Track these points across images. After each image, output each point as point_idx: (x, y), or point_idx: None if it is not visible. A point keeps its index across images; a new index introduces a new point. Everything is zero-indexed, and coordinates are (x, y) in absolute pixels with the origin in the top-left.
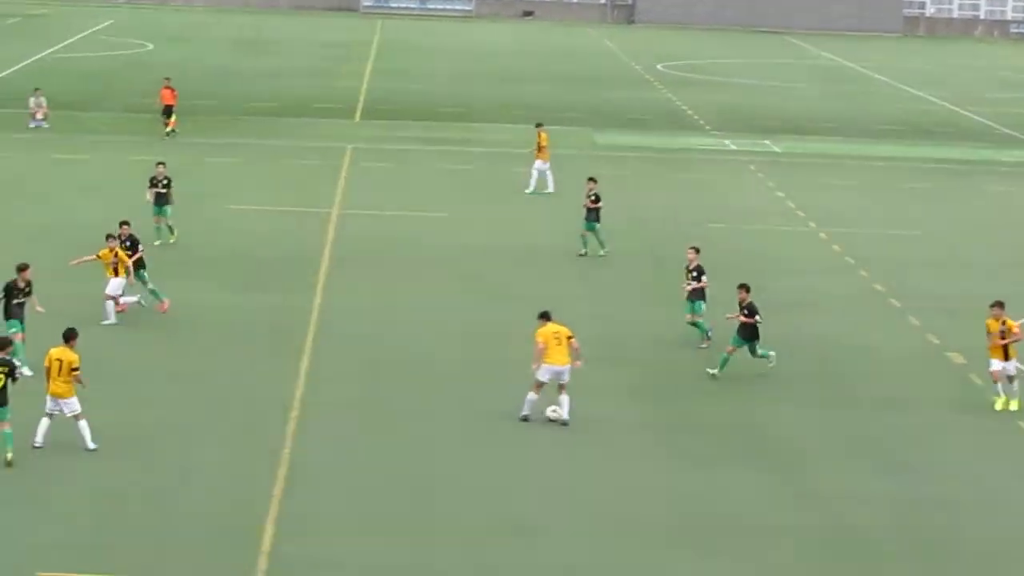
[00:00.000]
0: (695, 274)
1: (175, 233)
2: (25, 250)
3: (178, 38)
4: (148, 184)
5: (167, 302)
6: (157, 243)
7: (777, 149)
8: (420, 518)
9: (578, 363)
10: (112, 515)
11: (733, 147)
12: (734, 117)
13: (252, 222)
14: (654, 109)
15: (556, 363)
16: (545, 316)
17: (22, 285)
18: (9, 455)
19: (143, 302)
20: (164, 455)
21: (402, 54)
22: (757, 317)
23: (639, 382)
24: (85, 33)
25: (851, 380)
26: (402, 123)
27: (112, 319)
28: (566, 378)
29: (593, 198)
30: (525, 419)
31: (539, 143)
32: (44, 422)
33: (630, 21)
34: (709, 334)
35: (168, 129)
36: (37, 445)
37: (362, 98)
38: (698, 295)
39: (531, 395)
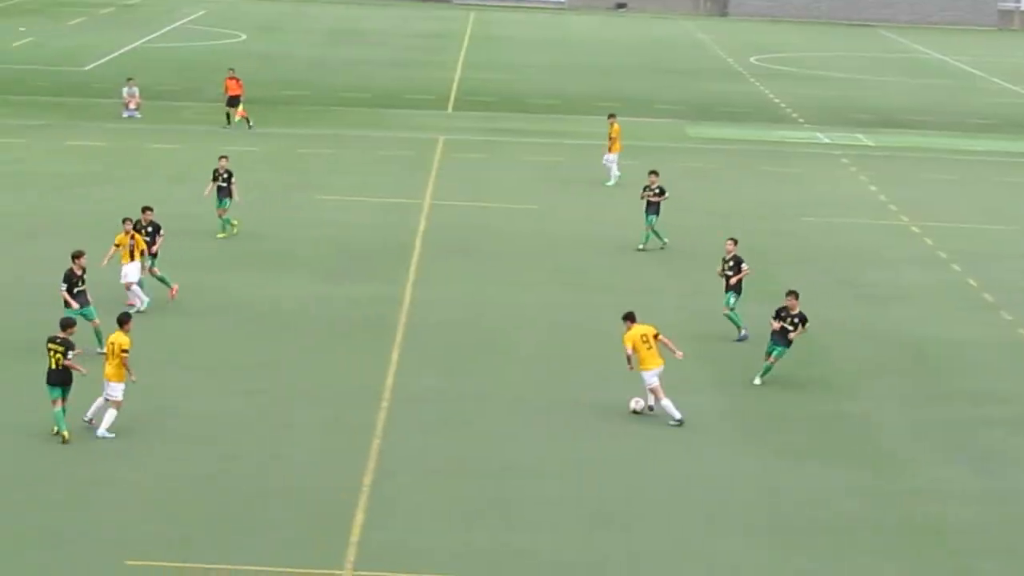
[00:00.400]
0: (731, 264)
1: (237, 225)
2: (107, 239)
3: (271, 28)
4: (211, 177)
5: (176, 287)
6: (220, 236)
7: (870, 143)
8: (507, 506)
9: (679, 353)
10: (198, 503)
11: (826, 140)
12: (827, 110)
13: (343, 213)
14: (747, 102)
15: (654, 367)
16: (630, 318)
17: (79, 272)
18: (65, 433)
19: (140, 308)
20: (254, 443)
21: (494, 45)
22: (800, 329)
23: (727, 375)
24: (177, 24)
25: (943, 374)
26: (494, 114)
27: (142, 305)
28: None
29: (656, 191)
30: (651, 409)
31: (611, 134)
32: (99, 401)
33: (723, 13)
34: (743, 330)
35: (237, 119)
36: (86, 419)
37: (454, 89)
38: (735, 287)
39: (665, 400)
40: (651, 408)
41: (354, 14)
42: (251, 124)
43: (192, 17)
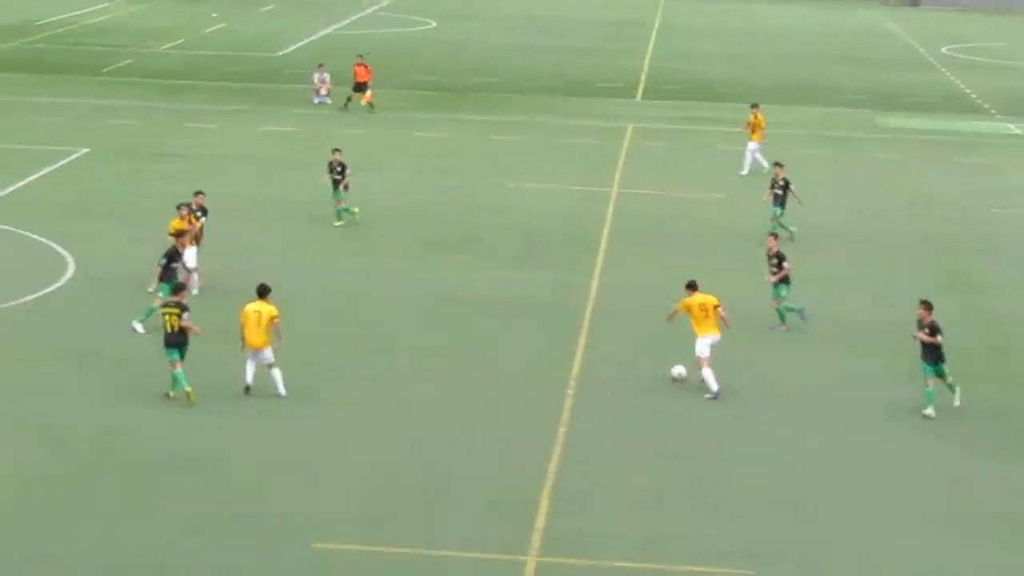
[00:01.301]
0: (776, 261)
1: (356, 213)
2: (294, 223)
3: (461, 16)
4: (327, 169)
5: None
6: (337, 224)
7: None
8: (694, 492)
9: (725, 329)
10: (384, 488)
11: (1018, 132)
12: (1020, 101)
13: (532, 200)
14: (937, 92)
15: (705, 334)
16: (692, 286)
17: (182, 251)
18: (189, 390)
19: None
20: (442, 428)
21: (683, 34)
22: (939, 337)
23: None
24: (369, 11)
25: None
26: (683, 103)
27: (196, 289)
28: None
29: (783, 184)
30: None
31: (753, 123)
32: (250, 367)
33: (914, 3)
34: (802, 313)
35: (363, 103)
36: (247, 386)
37: (643, 77)
38: (782, 282)
39: (706, 371)
40: (715, 396)
41: (545, 1)
42: (372, 108)
43: (382, 4)
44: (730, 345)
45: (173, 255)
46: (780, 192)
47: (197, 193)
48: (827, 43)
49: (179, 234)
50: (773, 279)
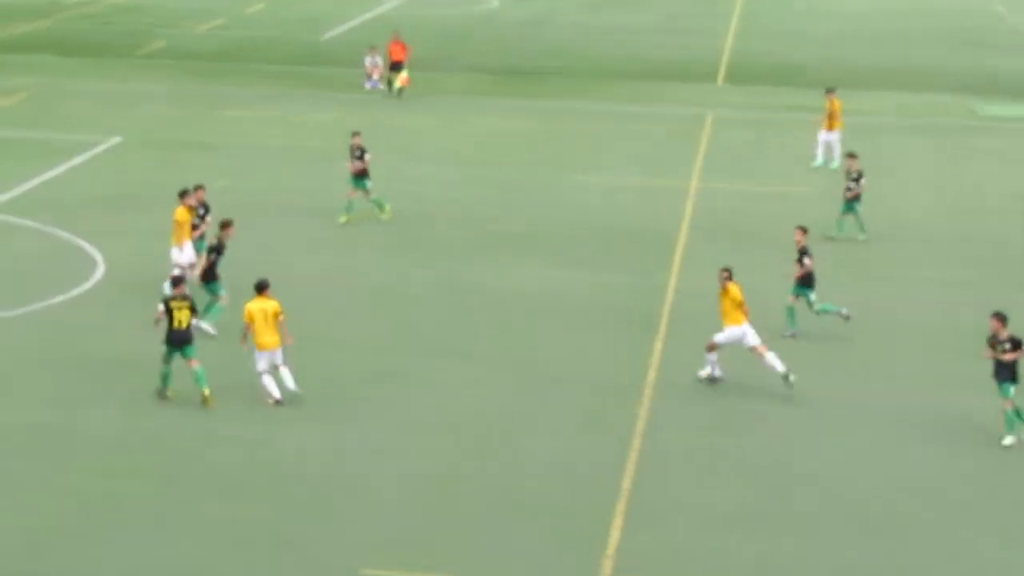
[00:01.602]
0: (799, 256)
1: (385, 209)
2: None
3: None
4: (349, 155)
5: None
6: (343, 220)
7: None
8: (772, 510)
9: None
10: (438, 505)
11: None
12: None
13: (603, 195)
14: None
15: (731, 323)
16: (727, 274)
17: (227, 242)
18: (206, 391)
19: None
20: (500, 439)
21: (768, 13)
22: (1011, 352)
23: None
24: None
25: None
26: (768, 88)
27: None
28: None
29: (856, 177)
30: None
31: (830, 110)
32: (268, 379)
33: None
34: (840, 312)
35: (397, 87)
36: (279, 399)
37: (725, 60)
38: (804, 280)
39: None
40: (712, 379)
41: None
42: (403, 91)
43: None
44: (811, 351)
45: (219, 249)
46: (853, 185)
47: (198, 188)
48: (926, 23)
49: (225, 225)
50: (796, 274)
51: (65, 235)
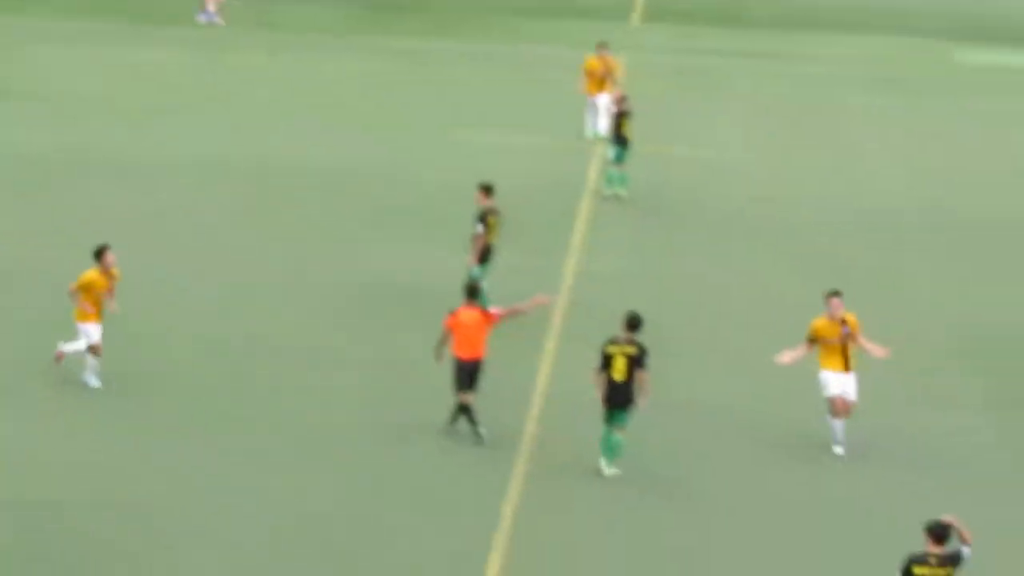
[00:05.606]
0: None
1: None
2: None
3: None
4: None
5: None
6: None
7: None
8: (688, 549)
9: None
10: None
11: None
12: None
13: (486, 157)
14: None
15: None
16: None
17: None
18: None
19: None
20: (368, 460)
21: None
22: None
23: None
24: None
25: None
26: (696, 29)
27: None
28: None
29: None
30: None
31: (600, 70)
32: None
33: None
34: None
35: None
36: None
37: None
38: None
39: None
40: None
41: None
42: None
43: None
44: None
45: None
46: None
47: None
48: None
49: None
50: None
51: None
